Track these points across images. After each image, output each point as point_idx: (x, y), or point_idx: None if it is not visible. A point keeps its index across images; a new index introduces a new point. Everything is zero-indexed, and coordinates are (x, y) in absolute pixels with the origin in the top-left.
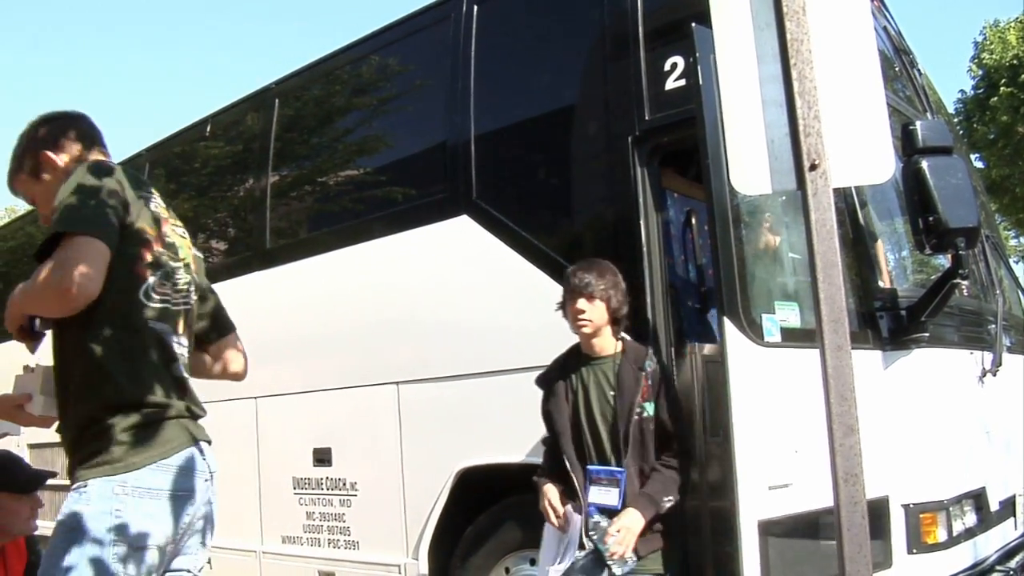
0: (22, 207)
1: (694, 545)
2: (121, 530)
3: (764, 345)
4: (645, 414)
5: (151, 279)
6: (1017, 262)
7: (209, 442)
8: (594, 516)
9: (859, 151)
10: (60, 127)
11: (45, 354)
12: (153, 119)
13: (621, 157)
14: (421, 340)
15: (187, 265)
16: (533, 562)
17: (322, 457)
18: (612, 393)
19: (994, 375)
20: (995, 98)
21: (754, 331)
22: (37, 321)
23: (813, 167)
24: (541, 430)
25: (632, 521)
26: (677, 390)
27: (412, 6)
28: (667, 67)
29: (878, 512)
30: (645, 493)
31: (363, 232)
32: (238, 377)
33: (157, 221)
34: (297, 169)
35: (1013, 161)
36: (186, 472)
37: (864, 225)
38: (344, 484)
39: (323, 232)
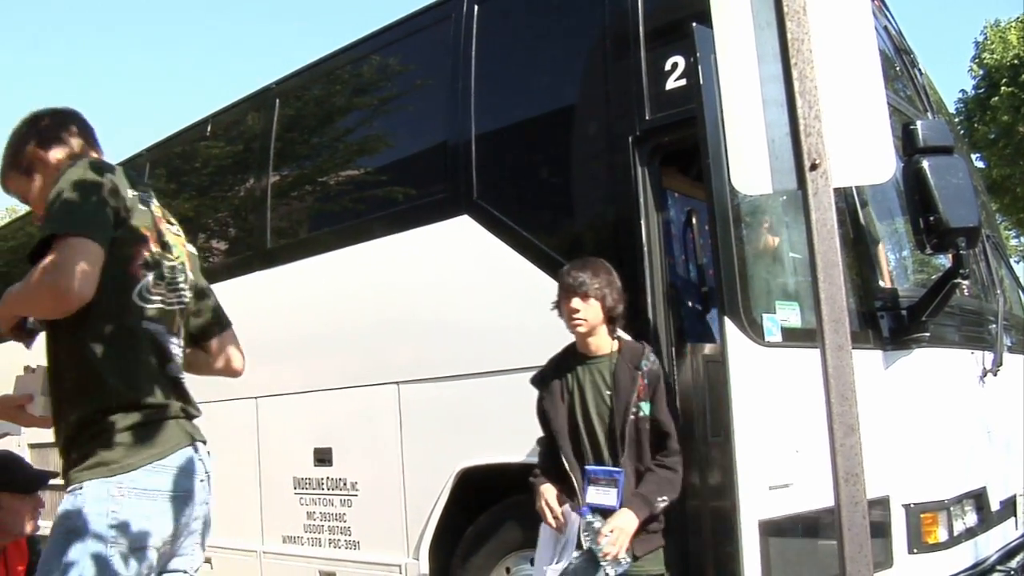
0: (22, 207)
1: (694, 545)
2: (118, 532)
3: (765, 345)
4: (641, 414)
5: (146, 279)
6: (1018, 262)
7: (204, 442)
8: (587, 516)
9: (860, 151)
10: (52, 124)
11: (45, 355)
12: (153, 119)
13: (622, 157)
14: (422, 340)
15: (182, 264)
16: (533, 562)
17: (323, 457)
18: (608, 393)
19: (995, 375)
20: (996, 98)
21: (755, 331)
22: (30, 319)
23: (814, 167)
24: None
25: (625, 522)
26: (674, 389)
27: (412, 6)
28: (668, 67)
29: (879, 512)
30: (639, 493)
31: (364, 232)
32: (238, 373)
33: (153, 220)
34: (298, 169)
35: (1014, 161)
36: (183, 473)
37: (865, 225)
38: (345, 484)
39: (324, 232)
